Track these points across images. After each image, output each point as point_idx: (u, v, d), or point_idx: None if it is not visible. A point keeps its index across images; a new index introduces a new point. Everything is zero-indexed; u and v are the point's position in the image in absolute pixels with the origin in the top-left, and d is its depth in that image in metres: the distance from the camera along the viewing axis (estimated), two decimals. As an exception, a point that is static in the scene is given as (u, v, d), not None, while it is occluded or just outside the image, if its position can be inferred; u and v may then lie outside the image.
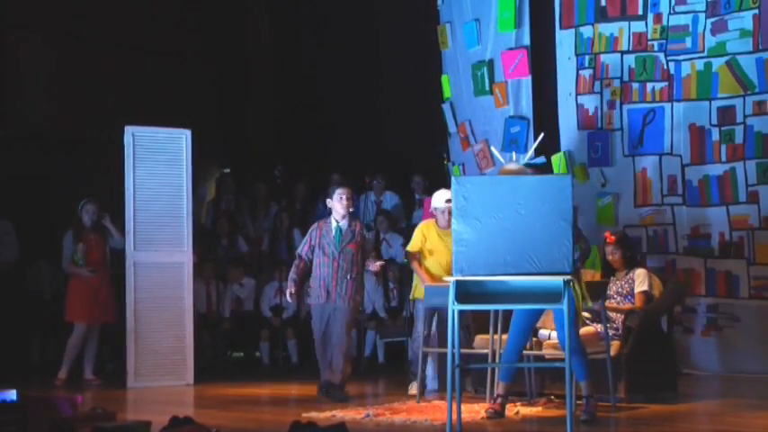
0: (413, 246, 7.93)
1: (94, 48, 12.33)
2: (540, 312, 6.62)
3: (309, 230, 7.90)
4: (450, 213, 6.86)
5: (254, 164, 12.93)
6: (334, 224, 7.77)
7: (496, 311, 7.05)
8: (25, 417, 5.72)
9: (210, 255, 10.96)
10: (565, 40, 9.63)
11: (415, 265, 7.91)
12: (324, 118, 12.83)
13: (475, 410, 6.72)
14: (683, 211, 9.05)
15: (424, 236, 7.87)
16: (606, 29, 9.39)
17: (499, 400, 6.53)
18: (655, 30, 9.15)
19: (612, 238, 7.54)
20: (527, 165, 6.31)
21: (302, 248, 7.87)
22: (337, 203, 7.74)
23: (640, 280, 7.32)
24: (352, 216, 7.84)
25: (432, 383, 8.02)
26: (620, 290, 7.40)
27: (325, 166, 11.79)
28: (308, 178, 11.69)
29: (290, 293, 7.82)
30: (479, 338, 7.55)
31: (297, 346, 10.55)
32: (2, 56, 11.74)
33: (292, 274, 7.85)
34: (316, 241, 7.78)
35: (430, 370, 8.01)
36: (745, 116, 8.78)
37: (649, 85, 9.20)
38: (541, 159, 6.47)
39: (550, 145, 9.33)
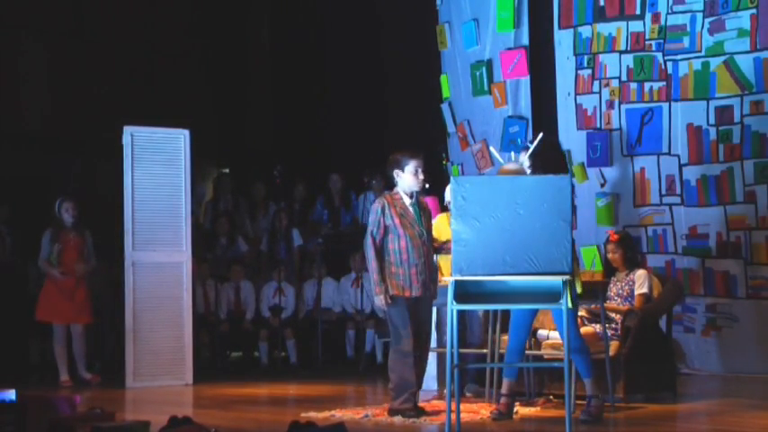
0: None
1: (94, 48, 12.34)
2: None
3: (377, 208, 6.59)
4: None
5: (253, 164, 12.94)
6: (407, 200, 6.63)
7: (495, 311, 7.05)
8: (24, 417, 5.72)
9: (208, 254, 10.97)
10: (563, 40, 9.64)
11: None
12: (322, 118, 12.83)
13: (474, 410, 6.72)
14: (681, 210, 9.05)
15: (439, 231, 7.37)
16: (604, 29, 9.40)
17: (502, 400, 6.50)
18: (653, 29, 9.16)
19: (615, 236, 7.55)
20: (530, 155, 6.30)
21: (377, 231, 6.55)
22: (411, 177, 6.59)
23: (640, 282, 7.32)
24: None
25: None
26: (620, 291, 7.40)
27: (323, 166, 11.80)
28: (307, 178, 11.70)
29: (387, 300, 6.49)
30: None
31: (295, 346, 10.55)
32: (1, 56, 11.74)
33: (378, 273, 6.50)
34: (391, 221, 6.54)
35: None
36: (742, 116, 8.78)
37: (647, 85, 9.21)
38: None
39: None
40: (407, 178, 6.60)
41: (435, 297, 6.75)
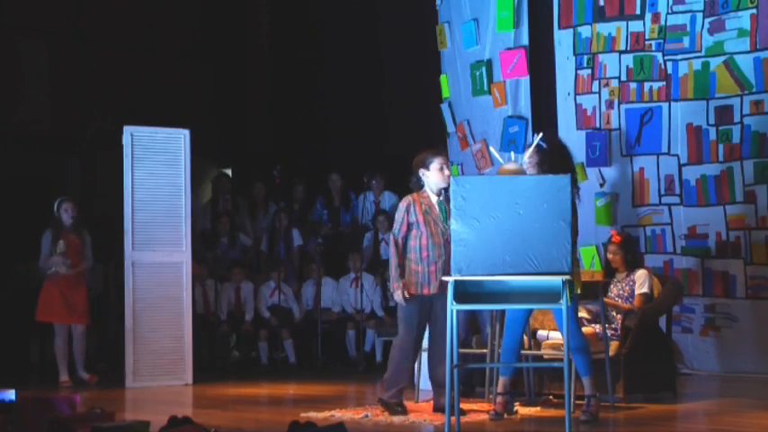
0: None
1: (94, 48, 12.34)
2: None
3: (402, 207, 6.68)
4: None
5: (253, 164, 12.94)
6: (434, 199, 6.67)
7: (494, 312, 7.05)
8: (24, 417, 5.73)
9: (209, 253, 10.96)
10: (563, 40, 9.65)
11: None
12: (322, 118, 12.84)
13: (474, 410, 6.72)
14: (680, 210, 9.06)
15: None
16: (604, 29, 9.40)
17: (499, 399, 6.50)
18: (652, 29, 9.16)
19: (618, 238, 7.52)
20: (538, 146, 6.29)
21: (399, 230, 6.64)
22: (437, 174, 6.63)
23: (641, 282, 7.32)
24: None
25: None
26: (620, 292, 7.39)
27: (323, 166, 11.80)
28: (307, 178, 11.70)
29: (405, 296, 6.54)
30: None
31: (293, 346, 10.55)
32: (1, 56, 11.74)
33: (398, 271, 6.57)
34: (415, 218, 6.61)
35: None
36: (742, 116, 8.79)
37: (647, 85, 9.21)
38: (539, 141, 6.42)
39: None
40: (434, 176, 6.65)
41: None
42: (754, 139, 8.73)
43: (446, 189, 6.66)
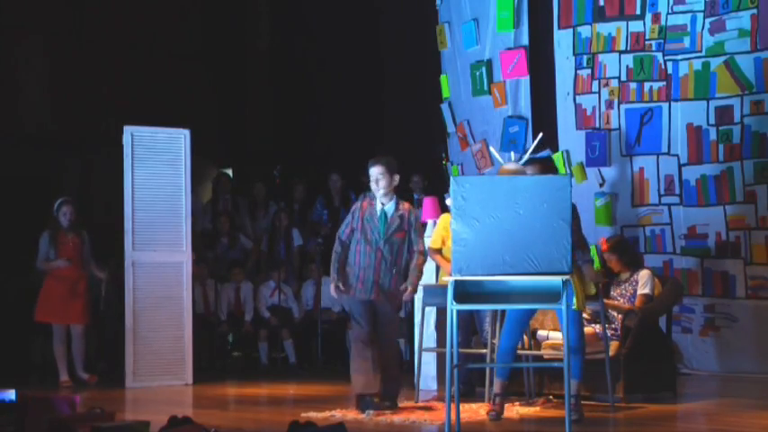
0: (434, 242, 7.62)
1: (94, 48, 12.34)
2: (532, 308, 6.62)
3: (352, 209, 6.93)
4: None
5: (253, 164, 12.94)
6: (378, 207, 6.82)
7: (495, 312, 7.05)
8: (24, 417, 5.73)
9: (209, 253, 10.96)
10: (563, 40, 9.65)
11: (437, 258, 7.60)
12: (322, 118, 12.84)
13: (473, 410, 6.73)
14: (680, 210, 9.06)
15: (446, 230, 7.33)
16: (604, 29, 9.40)
17: (497, 400, 6.51)
18: (653, 29, 9.17)
19: (605, 246, 7.55)
20: (530, 161, 6.35)
21: (343, 231, 6.85)
22: (372, 185, 6.83)
23: (643, 282, 7.31)
24: (401, 197, 6.97)
25: None
26: (623, 292, 7.38)
27: (323, 166, 11.80)
28: (307, 178, 11.70)
29: (338, 287, 6.79)
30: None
31: (293, 345, 10.55)
32: (1, 56, 11.74)
33: (335, 266, 6.82)
34: (357, 224, 6.79)
35: None
36: (742, 116, 8.79)
37: (647, 85, 9.22)
38: (546, 152, 6.49)
39: (549, 145, 9.36)
40: (372, 185, 6.85)
41: (398, 307, 7.01)
42: (754, 139, 8.74)
43: (397, 199, 6.89)
